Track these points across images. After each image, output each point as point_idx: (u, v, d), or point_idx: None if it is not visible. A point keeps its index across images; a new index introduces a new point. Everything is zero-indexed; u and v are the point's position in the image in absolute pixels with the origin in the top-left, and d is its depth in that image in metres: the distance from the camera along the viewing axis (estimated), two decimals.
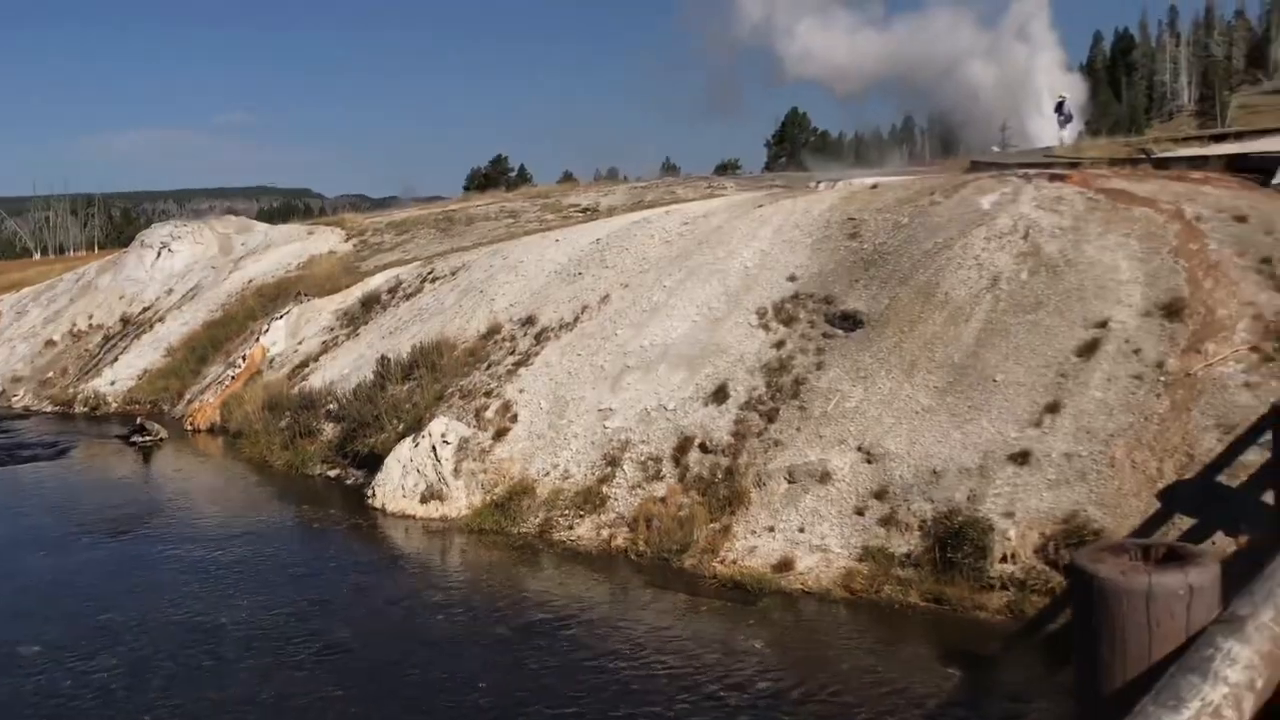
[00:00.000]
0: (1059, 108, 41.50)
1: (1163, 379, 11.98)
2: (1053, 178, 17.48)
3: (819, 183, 20.27)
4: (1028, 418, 12.23)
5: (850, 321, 15.16)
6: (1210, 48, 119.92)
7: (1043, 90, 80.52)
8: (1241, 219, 14.78)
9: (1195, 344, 12.30)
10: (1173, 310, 12.90)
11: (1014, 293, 14.20)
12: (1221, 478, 10.48)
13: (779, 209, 18.89)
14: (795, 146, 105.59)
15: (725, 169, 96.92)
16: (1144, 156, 22.74)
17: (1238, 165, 19.09)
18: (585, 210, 32.97)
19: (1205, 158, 20.14)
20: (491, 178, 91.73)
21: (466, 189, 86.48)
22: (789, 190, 22.02)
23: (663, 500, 13.73)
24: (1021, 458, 11.74)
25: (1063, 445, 11.68)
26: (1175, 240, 14.38)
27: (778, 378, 14.77)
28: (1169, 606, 2.51)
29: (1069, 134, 40.56)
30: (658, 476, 14.26)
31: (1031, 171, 18.48)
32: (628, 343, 16.83)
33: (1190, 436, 11.13)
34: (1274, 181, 17.01)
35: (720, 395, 14.95)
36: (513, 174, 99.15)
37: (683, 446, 14.48)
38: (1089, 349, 12.76)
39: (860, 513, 12.28)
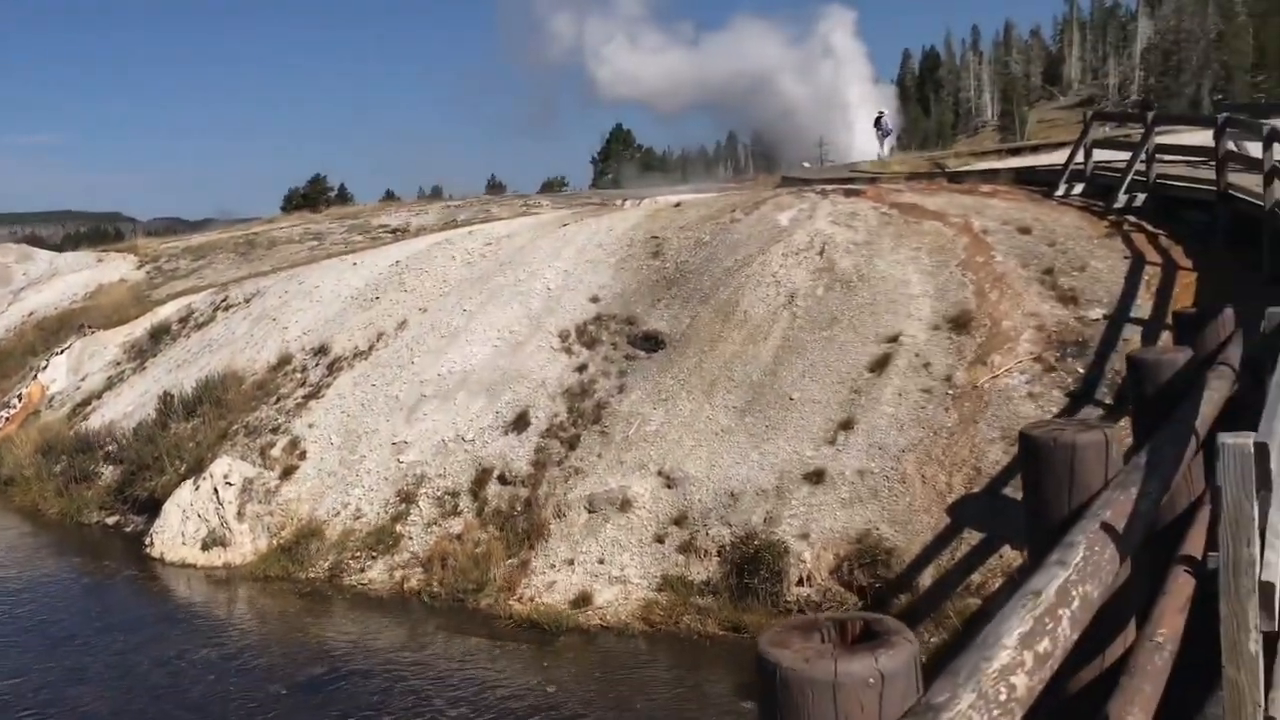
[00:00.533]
0: (878, 122, 42.88)
1: (951, 392, 12.05)
2: (848, 193, 17.66)
3: (625, 201, 20.00)
4: (823, 435, 12.10)
5: (652, 342, 14.83)
6: (1010, 66, 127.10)
7: (855, 106, 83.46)
8: (1026, 230, 15.17)
9: (982, 356, 12.44)
10: (960, 323, 13.04)
11: (810, 309, 14.14)
12: (1007, 490, 10.53)
13: (583, 228, 18.47)
14: (620, 164, 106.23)
15: (551, 186, 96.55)
16: (939, 170, 23.41)
17: (1025, 178, 19.77)
18: (395, 231, 31.88)
19: (996, 171, 20.83)
20: (310, 198, 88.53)
21: (284, 210, 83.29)
22: (597, 209, 21.67)
23: (459, 537, 13.02)
24: (817, 477, 11.58)
25: (856, 462, 11.57)
26: (964, 253, 14.63)
27: (580, 402, 14.28)
28: (858, 698, 2.07)
29: (888, 147, 41.88)
30: (455, 512, 13.54)
31: (829, 187, 18.65)
32: (425, 370, 16.05)
33: (978, 449, 11.18)
34: (1057, 193, 17.62)
35: (521, 423, 14.36)
36: (332, 194, 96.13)
37: (481, 479, 13.82)
38: (881, 364, 12.76)
39: (660, 540, 11.88)
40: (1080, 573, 2.73)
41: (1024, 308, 13.10)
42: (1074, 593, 2.60)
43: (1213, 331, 7.48)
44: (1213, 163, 14.27)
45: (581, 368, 14.92)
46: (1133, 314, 12.71)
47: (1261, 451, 3.05)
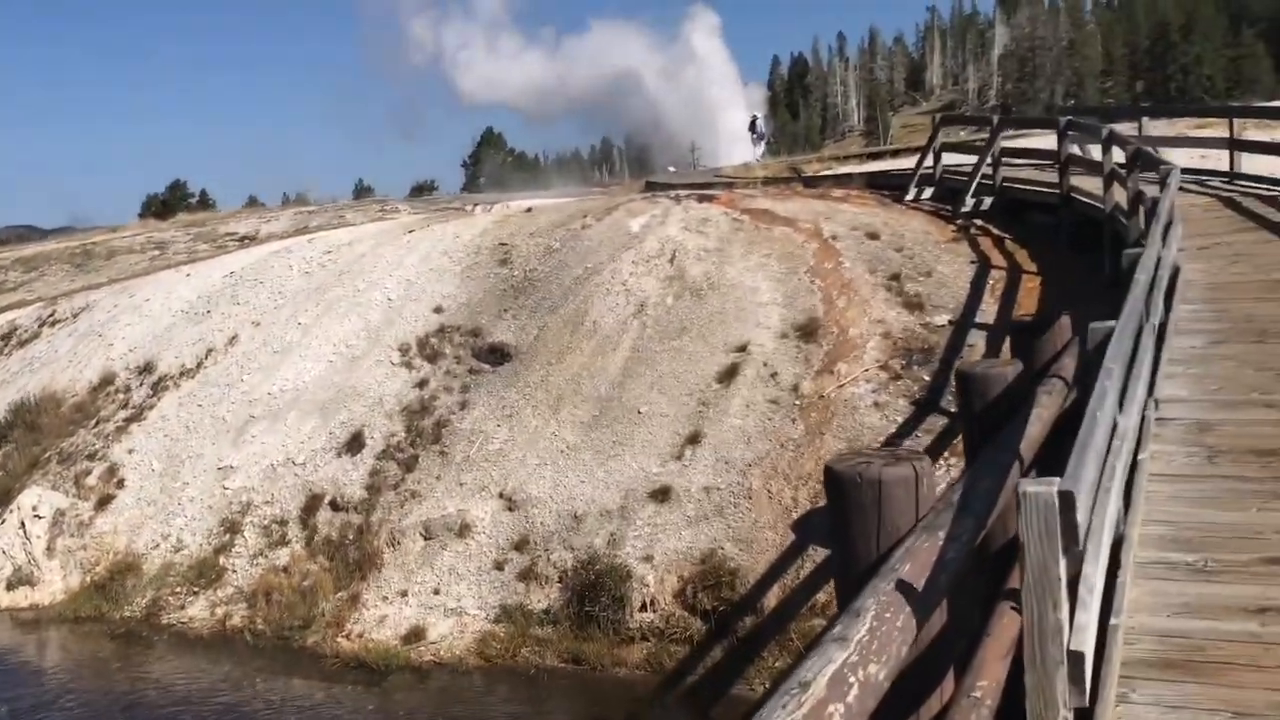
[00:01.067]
0: (752, 126, 42.91)
1: (798, 402, 11.72)
2: (701, 199, 17.32)
3: (476, 206, 19.29)
4: (670, 451, 11.64)
5: (498, 355, 14.17)
6: (875, 72, 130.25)
7: (725, 110, 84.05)
8: (874, 236, 15.03)
9: (829, 365, 12.16)
10: (808, 331, 12.76)
11: (660, 319, 13.69)
12: None
13: (429, 235, 17.68)
14: (492, 168, 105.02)
15: (421, 190, 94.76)
16: (796, 176, 23.34)
17: (878, 183, 19.77)
18: (243, 239, 30.42)
19: (850, 176, 20.80)
20: (170, 204, 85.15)
21: (142, 216, 79.80)
22: (451, 214, 20.85)
23: (285, 569, 12.14)
24: (662, 495, 11.09)
25: (702, 479, 11.14)
26: (813, 259, 14.38)
27: (419, 420, 13.53)
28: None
29: (761, 151, 42.03)
30: (282, 542, 12.65)
31: (685, 193, 18.28)
32: (255, 389, 15.05)
33: (823, 462, 10.83)
34: (907, 198, 17.59)
35: (355, 444, 13.53)
36: (193, 200, 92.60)
37: (311, 505, 12.95)
38: (730, 374, 12.37)
39: (500, 567, 11.24)
40: (864, 651, 2.23)
41: (871, 315, 12.89)
42: (852, 679, 2.10)
43: (1048, 341, 7.23)
44: (1057, 166, 14.35)
45: (422, 383, 14.17)
46: (977, 319, 12.61)
47: (1067, 501, 2.61)
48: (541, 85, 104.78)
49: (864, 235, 15.06)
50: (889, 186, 18.81)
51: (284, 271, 17.93)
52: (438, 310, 15.42)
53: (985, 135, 19.18)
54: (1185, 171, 15.43)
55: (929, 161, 17.81)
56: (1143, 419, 5.70)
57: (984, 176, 16.02)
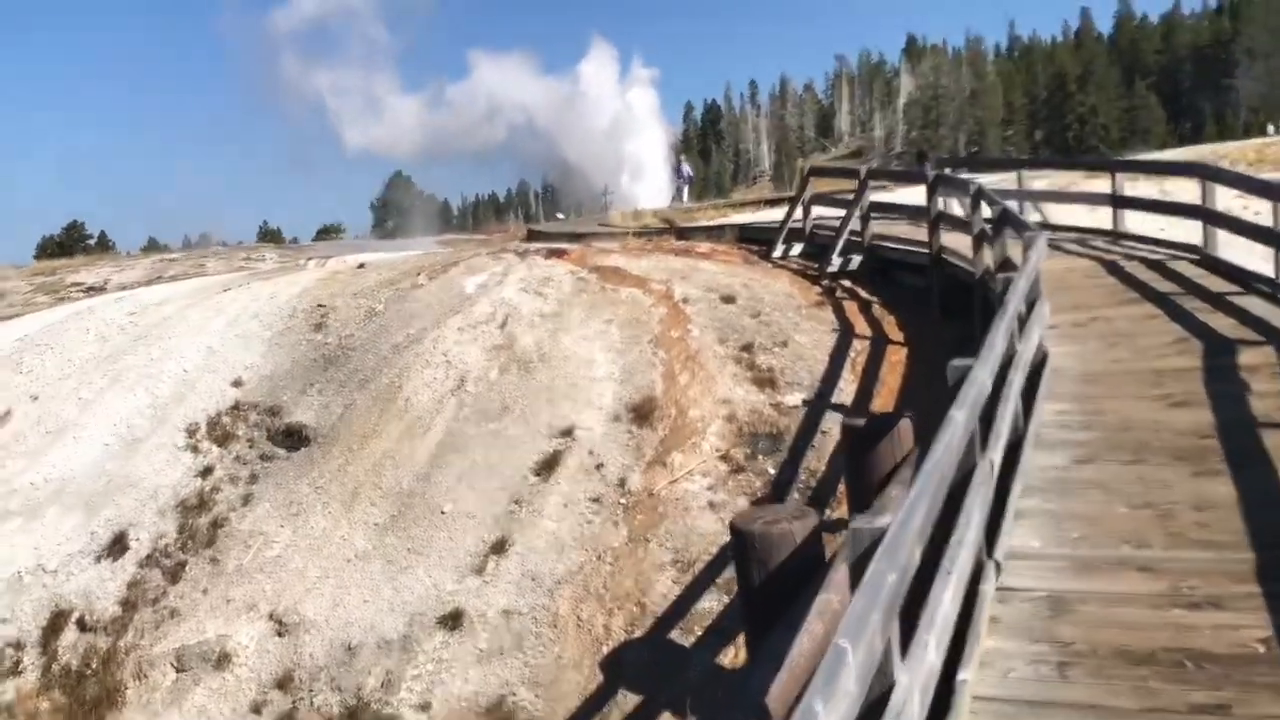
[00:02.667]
0: (678, 170, 43.32)
1: (623, 501, 10.01)
2: (550, 254, 15.66)
3: (309, 259, 17.40)
4: (470, 562, 9.82)
5: (295, 438, 12.24)
6: (785, 118, 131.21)
7: (635, 152, 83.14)
8: (730, 299, 13.49)
9: (662, 454, 10.49)
10: (643, 413, 11.09)
11: (481, 395, 11.91)
12: (674, 634, 8.52)
13: (243, 294, 15.70)
14: (401, 210, 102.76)
15: (328, 233, 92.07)
16: (667, 226, 21.87)
17: (750, 236, 18.35)
18: (89, 290, 27.93)
19: (722, 228, 19.36)
20: (65, 246, 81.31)
21: (37, 258, 75.94)
22: (282, 268, 18.85)
23: (8, 711, 9.98)
24: (454, 620, 9.25)
25: (503, 599, 9.33)
26: (659, 326, 12.78)
27: (194, 518, 11.51)
28: None
29: (687, 194, 42.21)
30: (15, 671, 10.49)
31: (535, 247, 16.60)
32: (17, 477, 12.87)
33: (645, 578, 9.14)
34: (775, 254, 16.16)
35: (118, 547, 11.45)
36: (91, 241, 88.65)
37: (56, 624, 10.82)
38: (550, 465, 10.63)
39: (257, 710, 9.26)
40: None
41: (716, 393, 11.28)
42: None
43: (886, 448, 5.68)
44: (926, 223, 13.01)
45: (206, 471, 12.16)
46: (834, 398, 11.09)
47: None
48: (433, 134, 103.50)
49: (719, 298, 13.52)
50: (762, 240, 17.38)
51: (79, 336, 15.76)
52: (237, 384, 13.43)
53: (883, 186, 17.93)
54: (1068, 230, 14.27)
55: (798, 214, 16.42)
56: (977, 593, 4.13)
57: (853, 233, 14.65)
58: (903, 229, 14.86)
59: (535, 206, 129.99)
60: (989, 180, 17.30)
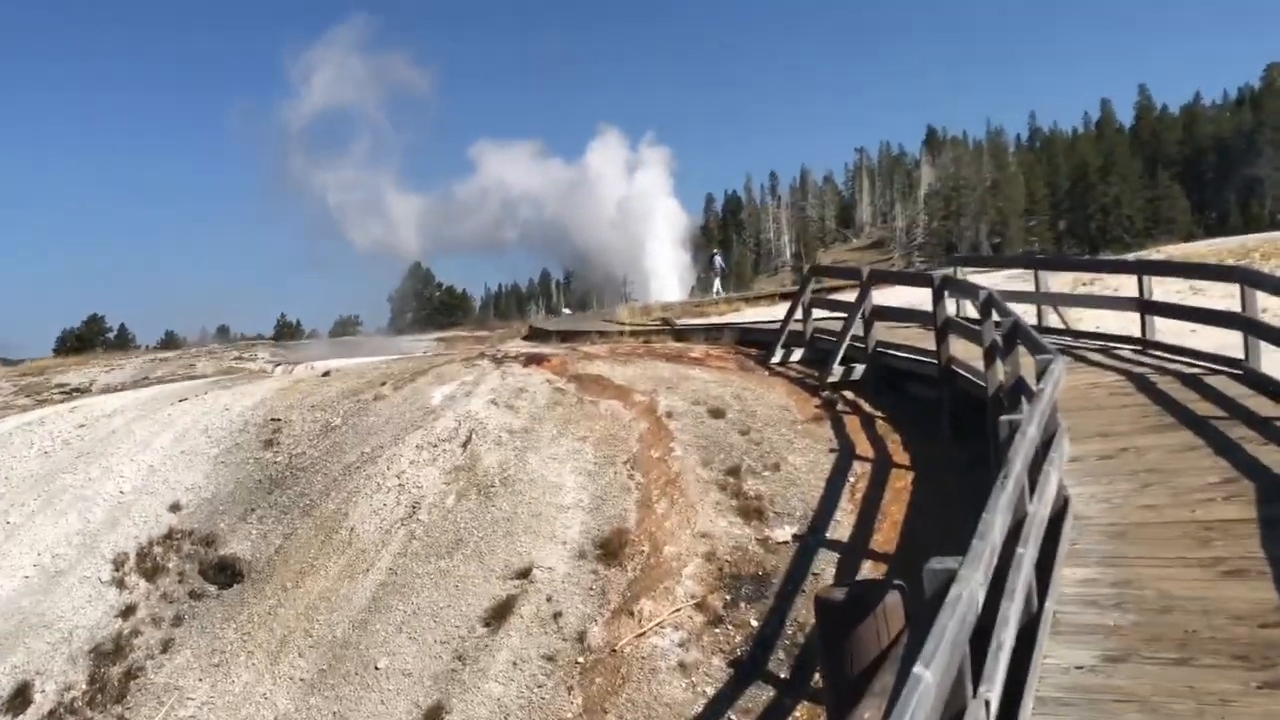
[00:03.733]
0: (711, 263, 44.31)
1: (581, 660, 8.61)
2: (529, 361, 14.47)
3: (277, 366, 16.34)
4: None
5: (228, 573, 10.96)
6: (806, 209, 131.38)
7: (654, 244, 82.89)
8: (719, 414, 12.22)
9: (630, 601, 9.11)
10: (612, 549, 9.75)
11: (434, 526, 10.62)
12: None
13: (197, 406, 14.56)
14: (420, 302, 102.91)
15: (346, 326, 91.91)
16: (666, 327, 20.73)
17: (749, 338, 17.15)
18: (72, 392, 27.03)
19: (721, 328, 18.17)
20: (86, 339, 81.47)
21: (56, 352, 76.07)
22: (250, 376, 17.78)
23: None
24: None
25: None
26: (638, 445, 11.50)
27: (108, 667, 10.19)
28: None
29: (719, 285, 42.51)
30: None
31: (516, 351, 15.45)
32: None
33: None
34: (773, 359, 14.91)
35: (19, 701, 10.12)
36: (111, 334, 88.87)
37: None
38: (502, 612, 9.27)
39: None
40: None
41: (696, 525, 9.93)
42: None
43: (869, 630, 4.40)
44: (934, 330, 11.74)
45: (128, 610, 10.87)
46: (830, 533, 9.72)
47: None
48: (441, 228, 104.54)
49: (707, 411, 12.25)
50: (762, 342, 16.15)
51: (23, 450, 14.64)
52: (174, 508, 12.21)
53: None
54: (1091, 337, 12.97)
55: (798, 316, 15.20)
56: None
57: (855, 338, 13.40)
58: (913, 333, 13.61)
59: (556, 297, 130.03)
60: (1003, 278, 16.10)
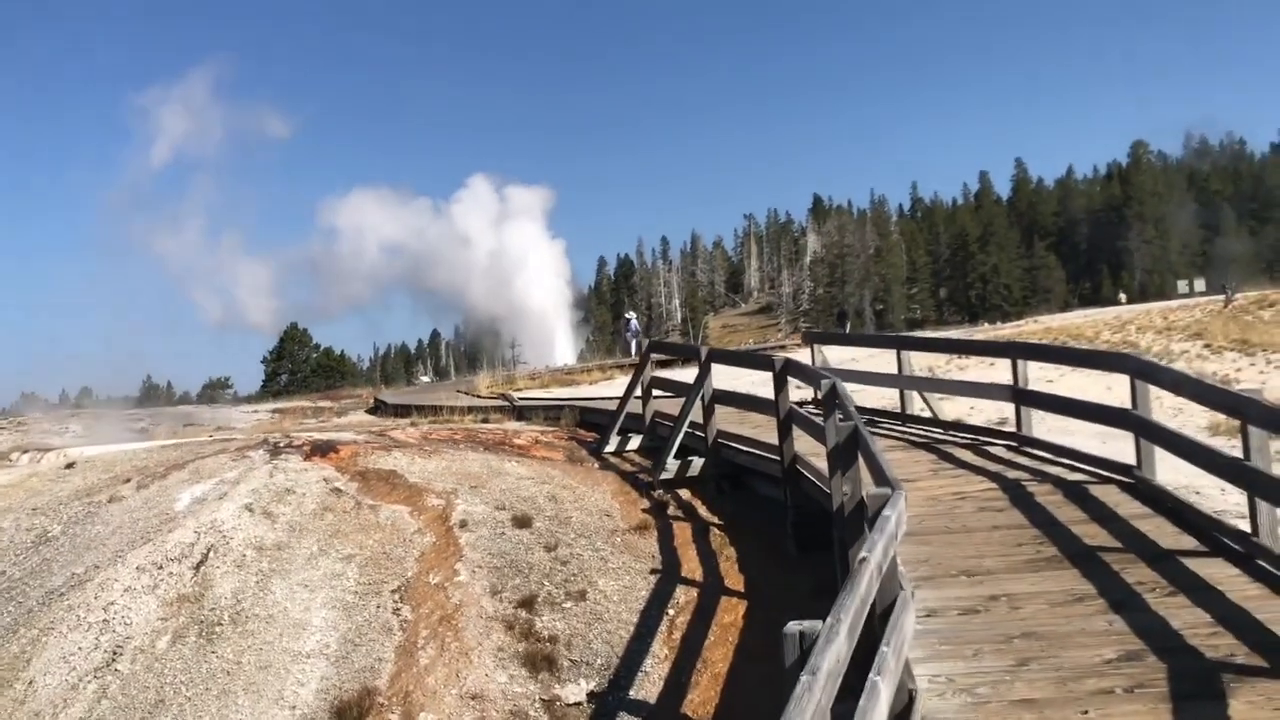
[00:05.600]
0: (627, 325, 44.48)
1: None
2: (313, 452, 12.12)
3: (23, 454, 13.67)
4: None
5: None
6: (696, 274, 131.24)
7: (541, 303, 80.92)
8: (526, 522, 10.08)
9: None
10: (352, 717, 7.46)
11: (133, 679, 8.18)
12: None
13: None
14: (295, 364, 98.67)
15: (214, 387, 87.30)
16: (506, 403, 18.56)
17: (590, 420, 15.11)
18: None
19: (561, 408, 16.06)
20: None
21: None
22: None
23: None
24: None
25: None
26: (416, 566, 9.27)
27: None
28: None
29: (634, 348, 41.10)
30: None
31: (303, 438, 13.06)
32: None
33: None
34: (606, 448, 12.87)
35: None
36: None
37: None
38: None
39: None
40: None
41: (466, 682, 7.72)
42: None
43: None
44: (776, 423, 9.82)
45: None
46: (635, 691, 7.63)
47: None
48: (303, 289, 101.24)
49: (511, 520, 10.10)
50: (603, 425, 14.13)
51: None
52: None
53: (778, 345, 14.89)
54: (962, 431, 11.25)
55: (638, 394, 13.22)
56: None
57: (694, 426, 11.46)
58: (764, 421, 11.73)
59: (445, 357, 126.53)
60: (866, 355, 14.41)
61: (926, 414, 11.94)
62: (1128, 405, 8.18)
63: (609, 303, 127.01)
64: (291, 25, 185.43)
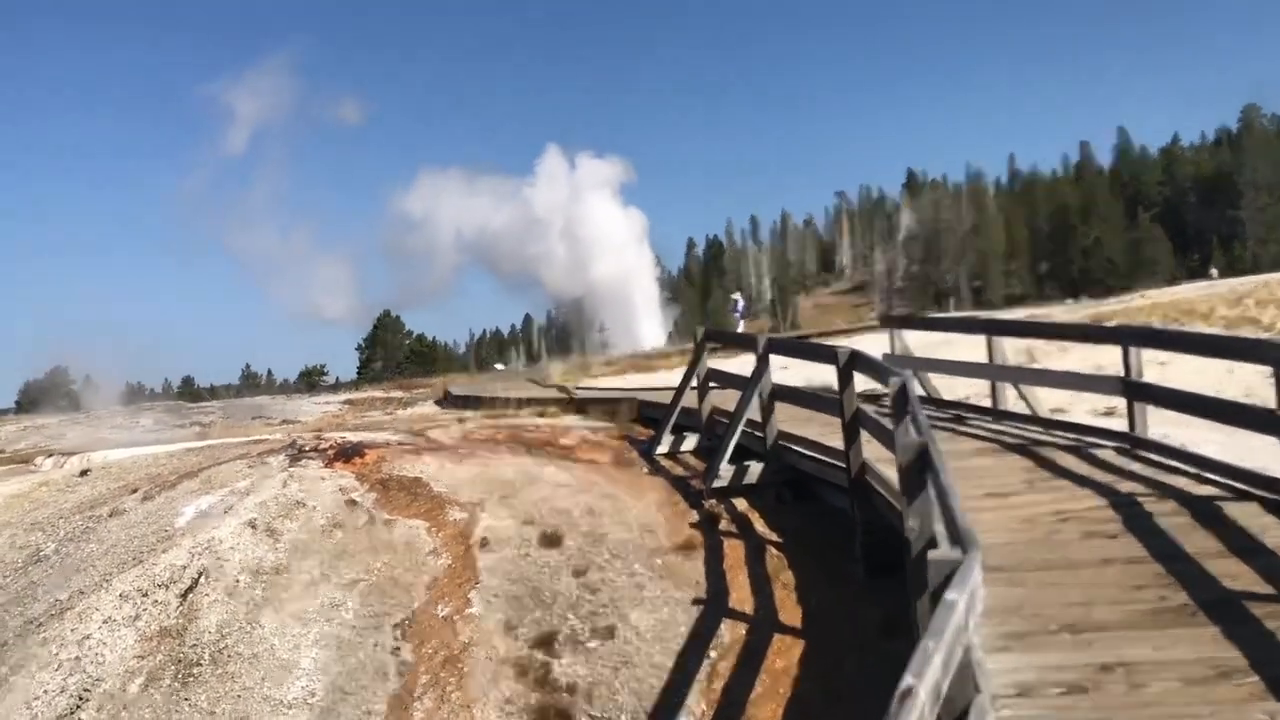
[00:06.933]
0: (735, 306, 44.05)
1: None
2: (337, 457, 11.04)
3: (50, 457, 12.92)
4: None
5: None
6: (787, 253, 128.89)
7: (639, 290, 79.97)
8: (556, 540, 8.83)
9: None
10: None
11: None
12: None
13: None
14: (389, 351, 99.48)
15: (311, 374, 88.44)
16: (567, 396, 17.33)
17: (649, 413, 13.81)
18: None
19: (619, 402, 14.76)
20: (48, 391, 77.76)
21: (19, 405, 72.48)
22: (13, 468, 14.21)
23: None
24: None
25: None
26: (426, 595, 8.09)
27: None
28: None
29: (741, 328, 41.10)
30: None
31: (331, 441, 11.99)
32: None
33: None
34: (658, 449, 11.55)
35: None
36: (75, 386, 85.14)
37: None
38: None
39: None
40: None
41: None
42: None
43: None
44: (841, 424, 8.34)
45: None
46: None
47: None
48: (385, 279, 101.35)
49: (539, 538, 8.86)
50: (653, 419, 12.86)
51: None
52: None
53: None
54: (1063, 428, 9.62)
55: (693, 385, 11.84)
56: None
57: (752, 425, 10.06)
58: (833, 421, 10.24)
59: (537, 342, 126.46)
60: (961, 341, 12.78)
61: (1025, 413, 10.31)
62: (1269, 403, 6.54)
63: (698, 285, 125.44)
64: (358, 8, 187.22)
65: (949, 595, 3.04)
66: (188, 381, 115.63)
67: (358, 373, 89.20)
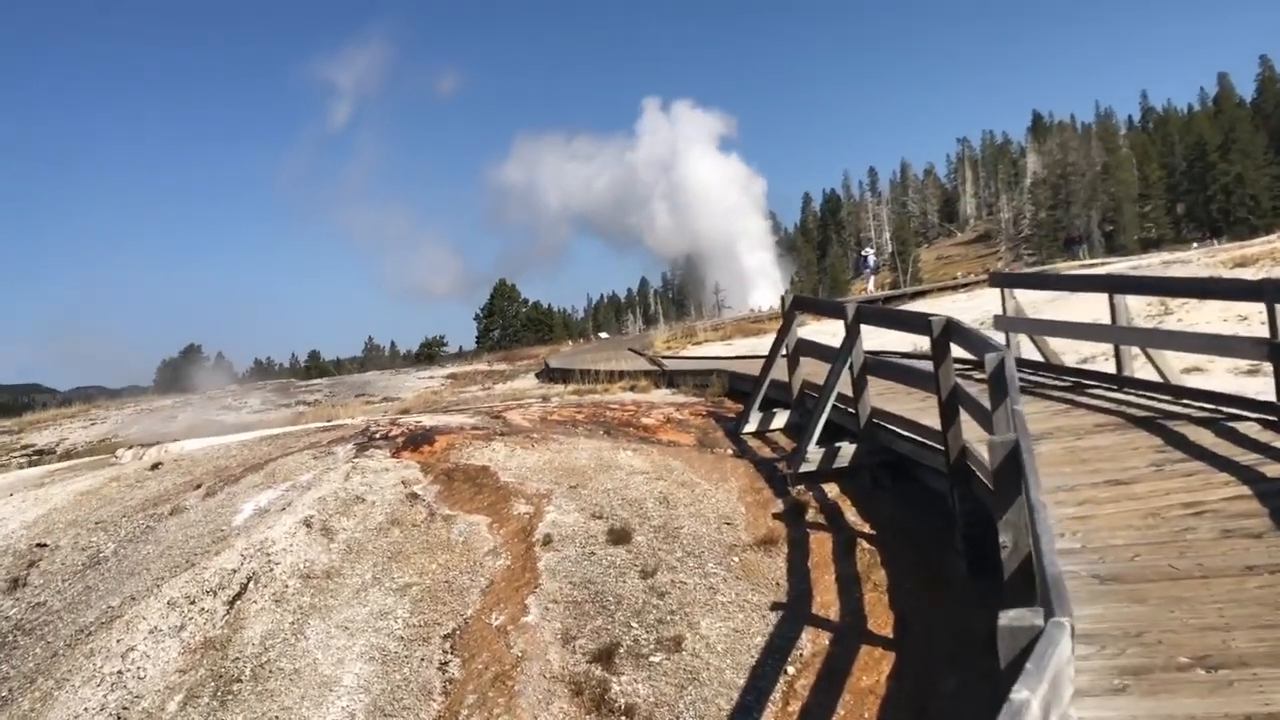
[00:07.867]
0: (865, 260, 44.08)
1: None
2: (405, 445, 10.49)
3: (127, 451, 12.71)
4: None
5: None
6: (907, 205, 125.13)
7: (744, 248, 78.99)
8: (624, 537, 8.06)
9: None
10: None
11: None
12: None
13: None
14: (506, 319, 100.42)
15: (431, 346, 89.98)
16: (658, 368, 16.52)
17: (737, 388, 12.92)
18: (37, 454, 24.20)
19: (710, 374, 13.89)
20: (182, 368, 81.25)
21: (156, 383, 75.97)
22: (93, 465, 14.07)
23: None
24: None
25: None
26: (480, 600, 7.42)
27: None
28: None
29: (873, 285, 41.65)
30: None
31: (405, 427, 11.45)
32: None
33: None
34: (745, 428, 10.66)
35: None
36: (209, 362, 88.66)
37: None
38: None
39: None
40: None
41: None
42: None
43: None
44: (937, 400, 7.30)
45: None
46: None
47: None
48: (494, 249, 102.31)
49: (607, 533, 8.10)
50: (744, 392, 11.95)
51: None
52: None
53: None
54: (1200, 397, 8.35)
55: (783, 354, 10.89)
56: None
57: (843, 401, 9.08)
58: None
59: (654, 305, 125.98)
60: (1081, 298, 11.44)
61: (1158, 380, 9.04)
62: None
63: (815, 240, 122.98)
64: None
65: (1017, 694, 2.13)
66: (314, 355, 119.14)
67: (476, 342, 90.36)
